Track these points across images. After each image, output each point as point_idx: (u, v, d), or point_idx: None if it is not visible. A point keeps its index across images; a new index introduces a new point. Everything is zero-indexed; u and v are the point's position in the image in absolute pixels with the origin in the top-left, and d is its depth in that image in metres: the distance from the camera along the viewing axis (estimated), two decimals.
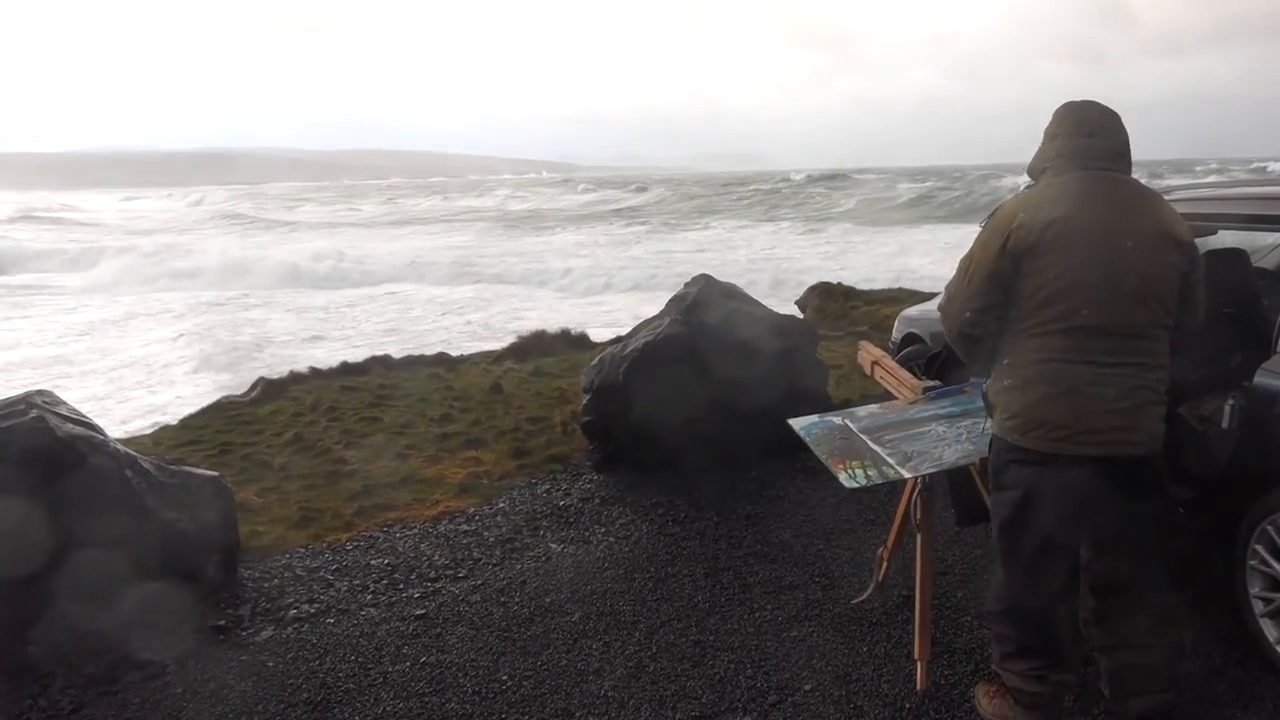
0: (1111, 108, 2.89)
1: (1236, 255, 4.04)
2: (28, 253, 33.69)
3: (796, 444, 3.57)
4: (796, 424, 3.46)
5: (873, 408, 3.52)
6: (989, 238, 2.80)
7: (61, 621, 3.72)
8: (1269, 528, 3.24)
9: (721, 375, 5.38)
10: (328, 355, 13.07)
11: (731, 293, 5.82)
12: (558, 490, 5.59)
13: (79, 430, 4.09)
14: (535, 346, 10.11)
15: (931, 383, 3.64)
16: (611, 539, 4.82)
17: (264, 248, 34.35)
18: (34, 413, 3.96)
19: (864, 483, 3.11)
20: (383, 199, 76.11)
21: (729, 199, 51.55)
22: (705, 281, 5.86)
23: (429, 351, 11.07)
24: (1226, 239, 4.45)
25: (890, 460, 3.15)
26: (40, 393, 4.21)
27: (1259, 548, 3.29)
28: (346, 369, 9.82)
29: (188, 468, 4.62)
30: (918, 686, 3.29)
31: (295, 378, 9.54)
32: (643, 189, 64.66)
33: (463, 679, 3.54)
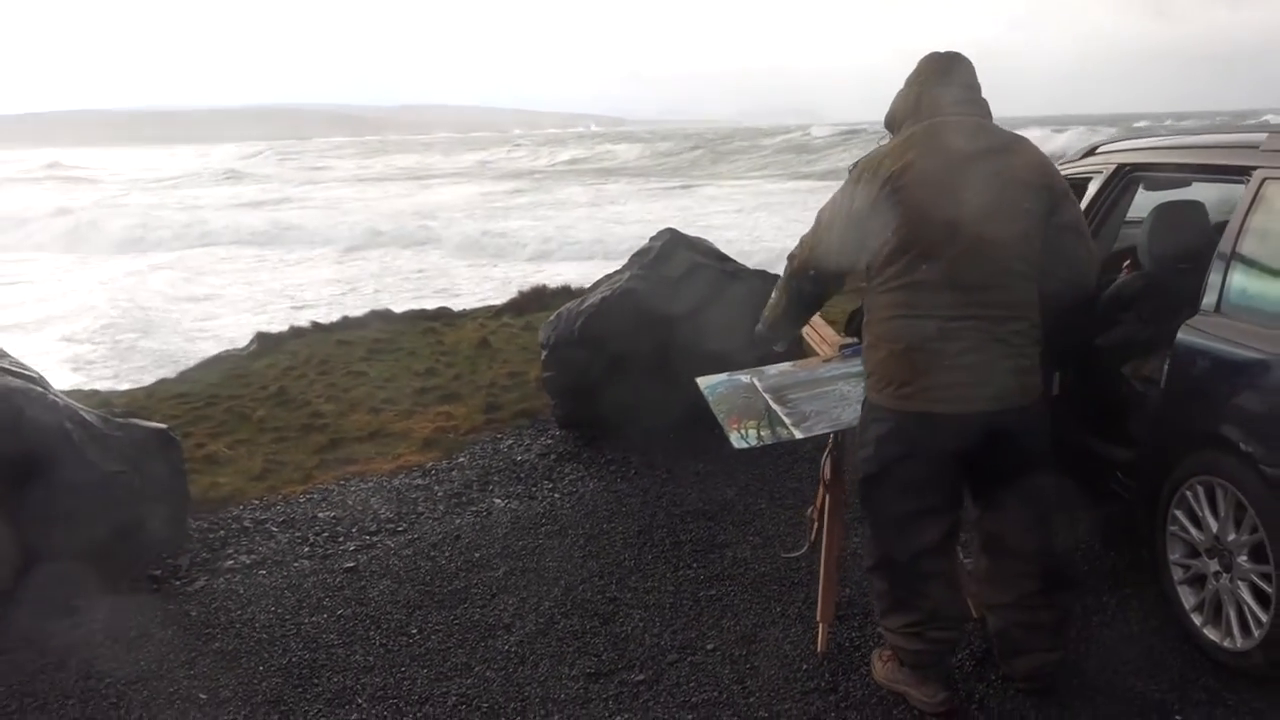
0: (967, 58, 2.80)
1: (1191, 208, 3.85)
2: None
3: None
4: (703, 382, 3.40)
5: (785, 366, 3.44)
6: (842, 192, 2.74)
7: None
8: (1188, 493, 3.11)
9: (682, 331, 5.30)
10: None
11: (695, 246, 5.72)
12: (520, 446, 5.59)
13: (16, 383, 4.16)
14: (534, 301, 10.07)
15: (849, 340, 3.54)
16: (556, 495, 4.81)
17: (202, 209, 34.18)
18: None
19: (754, 443, 3.05)
20: (396, 153, 75.97)
21: (755, 155, 50.47)
22: (670, 235, 5.76)
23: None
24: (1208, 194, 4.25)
25: (787, 420, 3.07)
26: None
27: (1179, 513, 3.16)
28: (346, 323, 9.91)
29: (136, 420, 4.68)
30: (818, 649, 3.24)
31: (295, 331, 9.65)
32: (653, 144, 63.46)
33: (373, 632, 3.57)
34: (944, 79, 2.77)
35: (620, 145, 64.42)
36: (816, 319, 3.84)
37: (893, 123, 2.87)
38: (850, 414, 3.04)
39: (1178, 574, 3.19)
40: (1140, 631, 3.26)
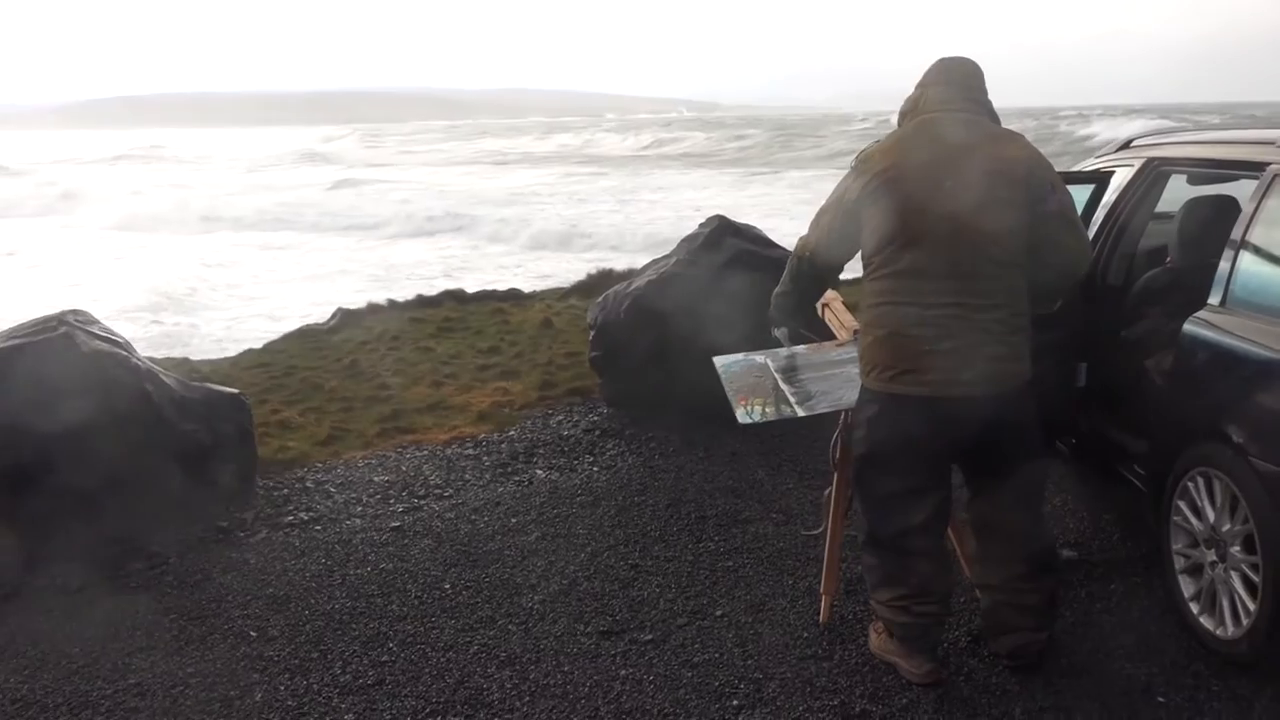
0: (973, 62, 2.94)
1: (1223, 203, 3.85)
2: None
3: None
4: (718, 361, 3.56)
5: (799, 348, 3.58)
6: (840, 184, 2.89)
7: (84, 516, 4.20)
8: (1189, 484, 3.17)
9: (725, 314, 5.45)
10: None
11: (742, 232, 5.86)
12: (568, 421, 5.84)
13: (104, 347, 4.56)
14: (603, 284, 10.30)
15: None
16: (595, 468, 5.04)
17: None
18: (63, 329, 4.44)
19: (758, 419, 3.22)
20: (480, 137, 76.89)
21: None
22: (718, 221, 5.92)
23: None
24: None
25: (792, 399, 3.23)
26: (74, 312, 4.70)
27: (1181, 504, 3.23)
28: (421, 301, 10.30)
29: (210, 385, 5.06)
30: (821, 619, 3.40)
31: (372, 308, 10.08)
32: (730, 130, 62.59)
33: (410, 585, 3.85)
34: (944, 80, 2.90)
35: (696, 132, 63.92)
36: (837, 304, 3.98)
37: (900, 119, 3.01)
38: (853, 395, 3.18)
39: (1179, 563, 3.26)
40: (1140, 619, 3.34)
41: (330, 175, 41.33)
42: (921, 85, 2.94)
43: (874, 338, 2.86)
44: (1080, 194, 3.95)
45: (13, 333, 4.60)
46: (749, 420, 3.22)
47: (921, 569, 2.93)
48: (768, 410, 3.22)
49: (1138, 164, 3.99)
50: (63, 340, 4.44)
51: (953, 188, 2.70)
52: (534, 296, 10.34)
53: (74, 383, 4.33)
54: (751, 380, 3.41)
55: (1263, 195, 3.10)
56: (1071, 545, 3.92)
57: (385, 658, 3.34)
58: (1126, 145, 4.30)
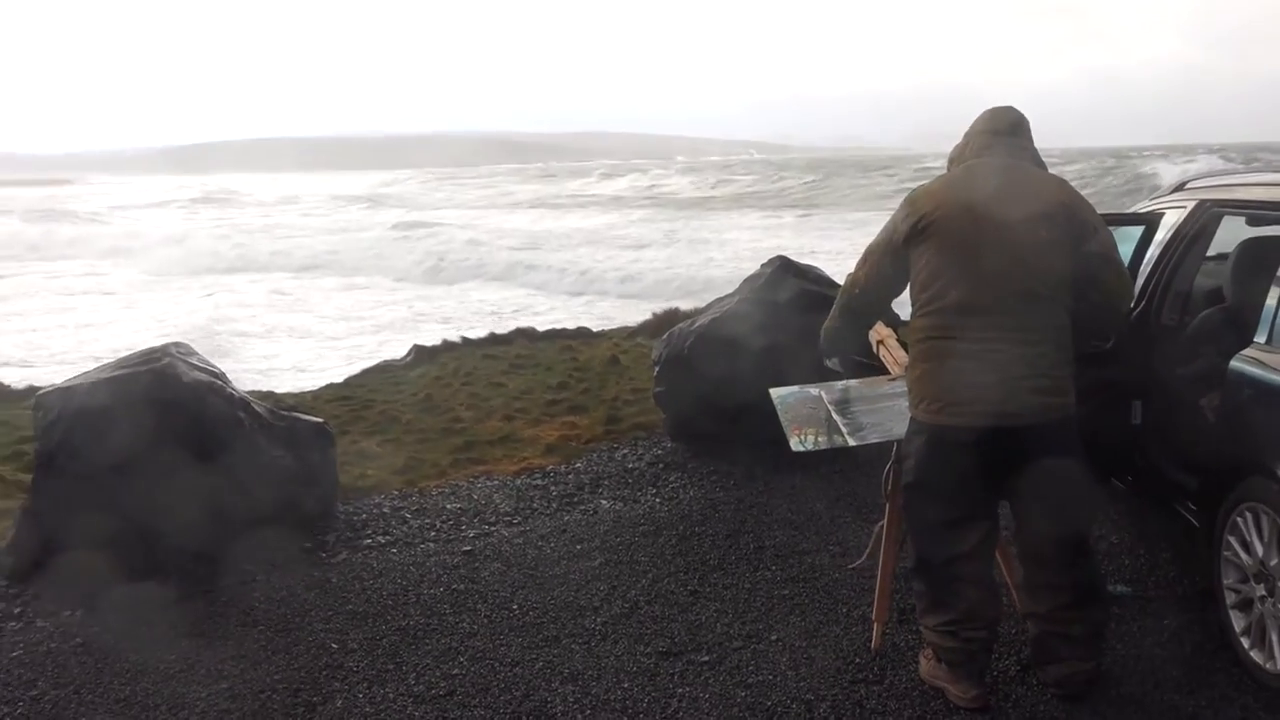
0: (1019, 112, 3.10)
1: (1276, 243, 3.91)
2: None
3: None
4: (775, 393, 3.73)
5: (852, 382, 3.73)
6: (887, 225, 3.04)
7: (182, 533, 4.52)
8: (1238, 519, 3.22)
9: (786, 352, 5.60)
10: None
11: (804, 273, 6.02)
12: (632, 455, 6.03)
13: (203, 377, 4.91)
14: (668, 323, 10.52)
15: None
16: (658, 500, 5.21)
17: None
18: (167, 360, 4.80)
19: (810, 448, 3.38)
20: (545, 180, 78.17)
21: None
22: (780, 262, 6.09)
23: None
24: None
25: (844, 429, 3.38)
26: (176, 344, 5.07)
27: (1231, 539, 3.28)
28: (494, 339, 10.65)
29: (298, 414, 5.38)
30: (872, 645, 3.51)
31: (447, 345, 10.45)
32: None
33: (480, 604, 4.06)
34: (990, 128, 3.06)
35: (762, 173, 63.98)
36: (891, 340, 4.12)
37: (949, 165, 3.18)
38: (903, 427, 3.31)
39: (1230, 598, 3.30)
40: (1191, 653, 3.38)
41: (393, 218, 42.57)
42: (969, 134, 3.11)
43: (922, 371, 3.00)
44: (1131, 234, 4.04)
45: (122, 363, 4.98)
46: (802, 448, 3.37)
47: (969, 595, 3.03)
48: (820, 439, 3.37)
49: (1190, 205, 4.07)
50: (163, 372, 4.79)
51: (999, 229, 2.84)
52: (602, 335, 10.61)
53: (176, 410, 4.68)
54: (806, 411, 3.56)
55: None
56: (1127, 581, 3.96)
57: (456, 671, 3.54)
58: (1180, 187, 4.38)
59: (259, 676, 3.56)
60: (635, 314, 13.57)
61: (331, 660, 3.66)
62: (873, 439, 3.34)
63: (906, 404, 3.47)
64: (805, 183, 53.27)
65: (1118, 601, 3.78)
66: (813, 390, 3.70)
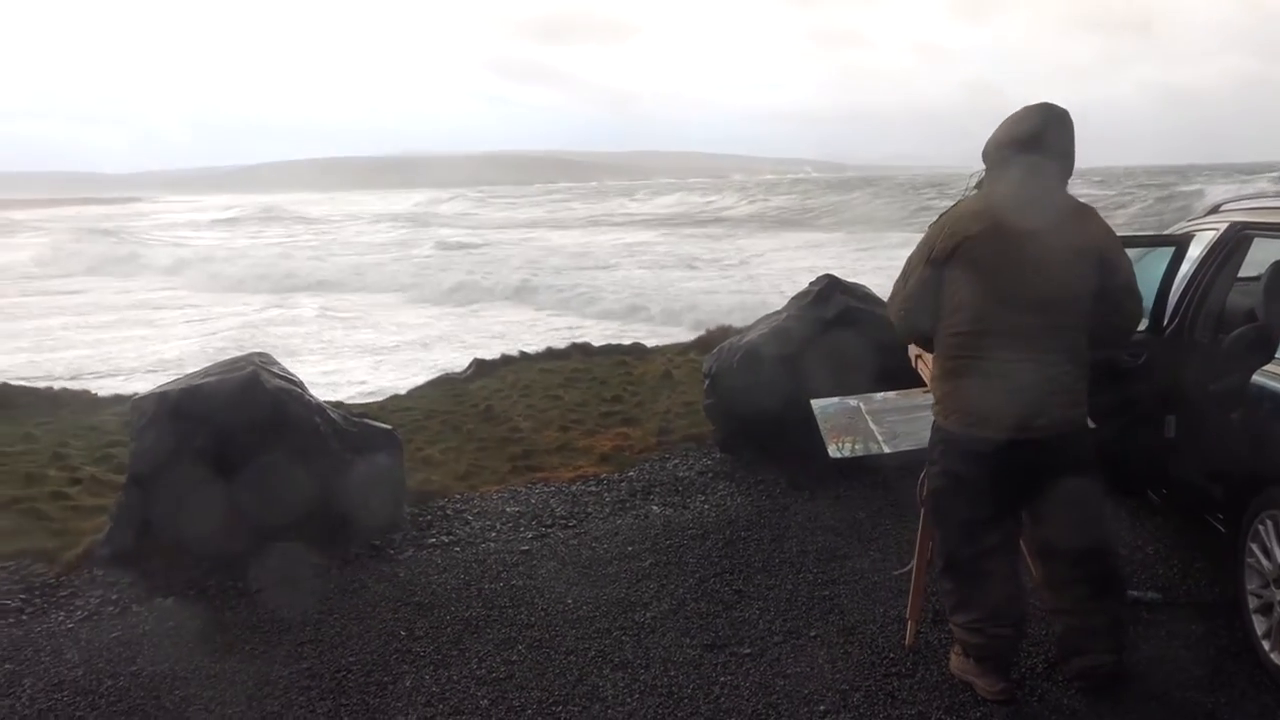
0: (1067, 114, 3.13)
1: None
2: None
3: None
4: (816, 404, 3.96)
5: (890, 394, 3.95)
6: (924, 244, 3.22)
7: (262, 528, 4.86)
8: (1259, 527, 3.37)
9: (831, 366, 5.81)
10: None
11: (852, 291, 6.23)
12: (683, 465, 6.27)
13: (283, 384, 5.27)
14: (720, 339, 10.75)
15: None
16: (706, 506, 5.45)
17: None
18: (250, 369, 5.17)
19: (847, 454, 3.59)
20: (593, 199, 78.64)
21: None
22: (828, 279, 6.31)
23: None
24: None
25: (879, 437, 3.60)
26: (259, 354, 5.45)
27: (1254, 546, 3.42)
28: (551, 354, 10.97)
29: (369, 421, 5.72)
30: (906, 642, 3.70)
31: (506, 359, 10.79)
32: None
33: (537, 599, 4.34)
34: (1011, 136, 3.13)
35: (811, 192, 63.70)
36: (928, 355, 4.32)
37: (985, 162, 3.25)
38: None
39: (1253, 603, 3.44)
40: (1215, 656, 3.52)
41: (440, 236, 43.19)
42: (1010, 143, 3.12)
43: (955, 385, 3.18)
44: (1162, 253, 4.20)
45: (208, 370, 5.37)
46: (839, 455, 3.60)
47: (994, 593, 3.22)
48: (856, 447, 3.59)
49: (1222, 227, 4.22)
50: (248, 380, 5.16)
51: (1036, 264, 3.01)
52: (656, 350, 10.87)
53: (258, 414, 5.05)
54: (844, 420, 3.79)
55: None
56: (1158, 589, 4.10)
57: (515, 657, 3.81)
58: (1216, 209, 4.52)
59: (335, 659, 3.87)
60: (685, 331, 13.79)
61: (400, 646, 3.96)
62: (906, 446, 3.55)
63: None
64: (872, 201, 52.95)
65: (1148, 607, 3.93)
66: (851, 401, 3.93)
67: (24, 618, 4.40)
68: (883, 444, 3.55)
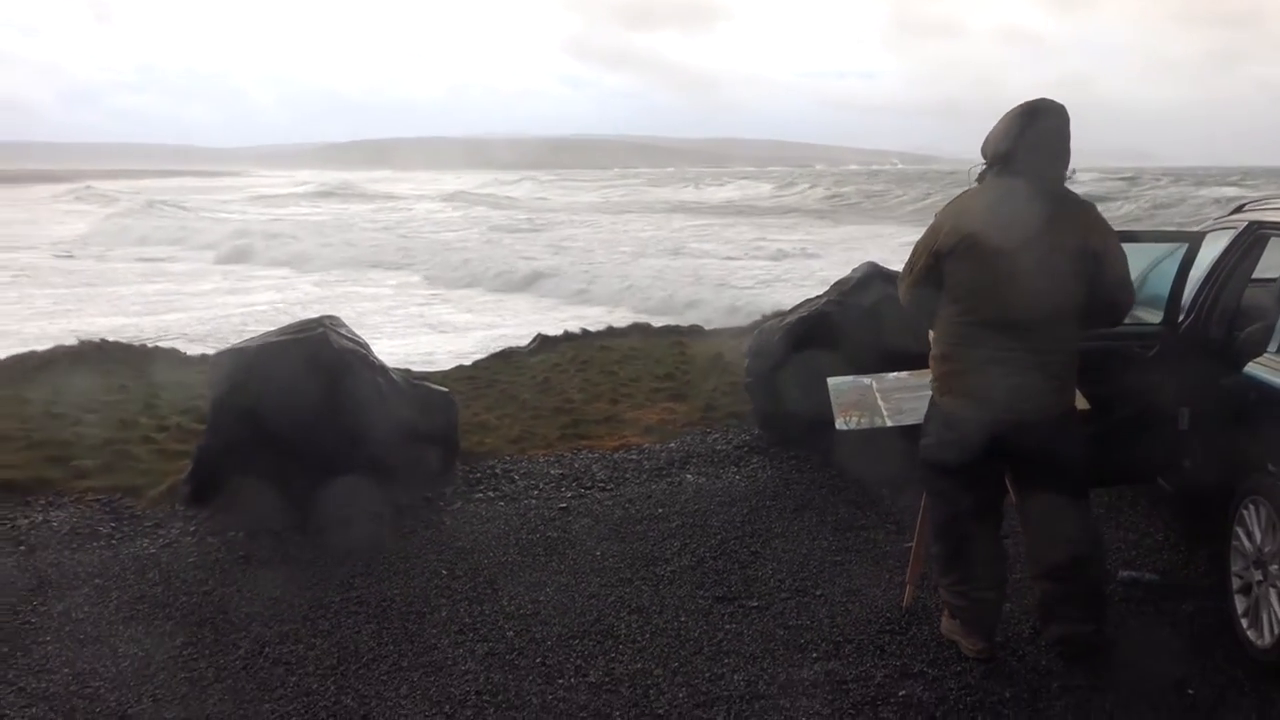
0: (1063, 110, 3.31)
1: None
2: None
3: None
4: (832, 381, 4.22)
5: (902, 374, 4.18)
6: (927, 235, 3.43)
7: (326, 475, 5.31)
8: (1243, 511, 3.54)
9: (867, 350, 6.03)
10: None
11: (891, 279, 6.41)
12: (722, 439, 6.57)
13: (350, 345, 5.72)
14: None
15: None
16: (737, 477, 5.74)
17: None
18: (320, 330, 5.63)
19: (853, 427, 3.86)
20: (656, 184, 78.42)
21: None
22: (868, 267, 6.52)
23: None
24: None
25: (885, 412, 3.85)
26: (329, 317, 5.90)
27: (1238, 529, 3.59)
28: (611, 332, 11.32)
29: (427, 384, 6.15)
30: (904, 603, 3.96)
31: (568, 336, 11.18)
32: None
33: (568, 550, 4.70)
34: (1027, 134, 3.29)
35: (896, 183, 62.68)
36: None
37: (985, 157, 3.44)
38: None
39: (1235, 583, 3.61)
40: (1198, 632, 3.71)
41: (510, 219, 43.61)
42: (1008, 138, 3.30)
43: (951, 368, 3.40)
44: (1167, 250, 4.34)
45: (284, 330, 5.85)
46: (845, 428, 3.86)
47: (977, 558, 3.46)
48: (862, 421, 3.85)
49: (1240, 226, 4.34)
50: (320, 339, 5.62)
51: (1029, 262, 3.21)
52: (712, 333, 11.14)
53: (326, 372, 5.50)
54: (855, 397, 4.05)
55: None
56: (1158, 571, 4.27)
57: (542, 598, 4.18)
58: (1240, 209, 4.62)
59: (381, 590, 4.29)
60: (741, 318, 13.98)
61: (440, 583, 4.36)
62: (909, 421, 3.79)
63: None
64: (921, 193, 52.01)
65: (1144, 587, 4.12)
66: (865, 380, 4.18)
67: (113, 542, 4.92)
68: (886, 418, 3.81)
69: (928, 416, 3.57)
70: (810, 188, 62.23)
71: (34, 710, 3.39)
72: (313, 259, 28.57)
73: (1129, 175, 53.02)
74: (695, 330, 11.29)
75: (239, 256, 29.53)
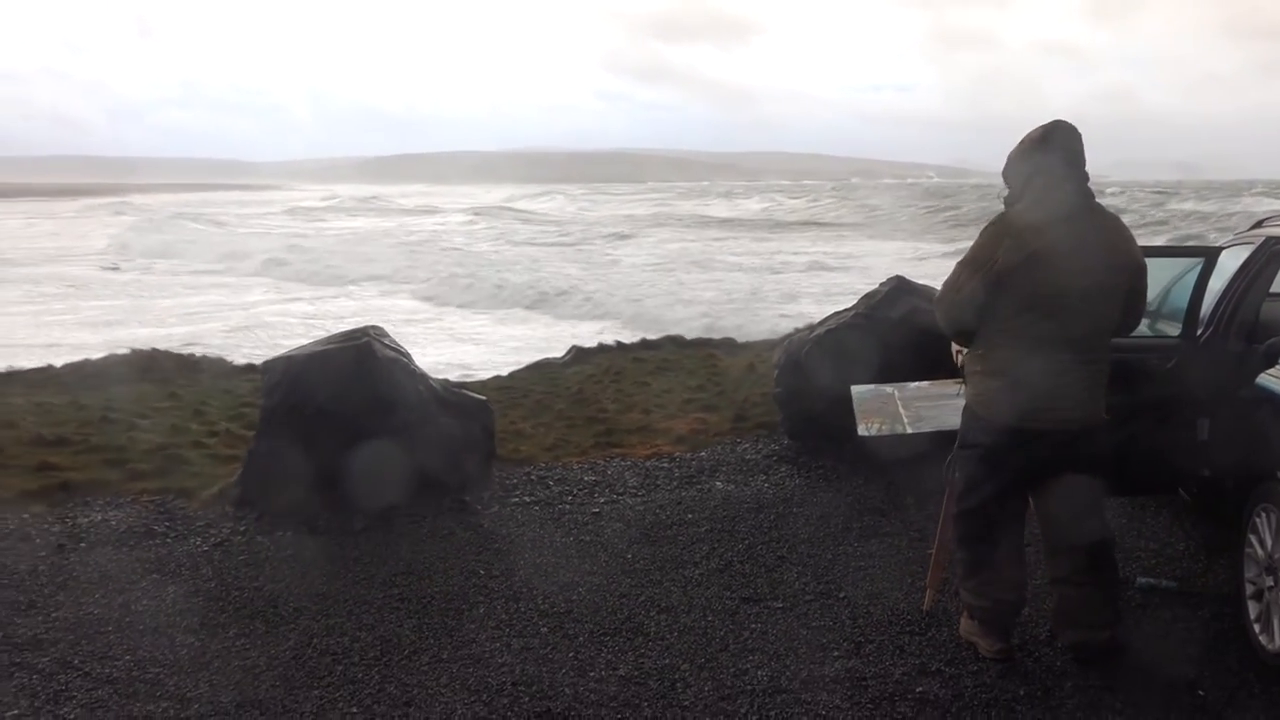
0: (1069, 127, 3.46)
1: None
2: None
3: None
4: (855, 390, 4.38)
5: (923, 384, 4.33)
6: (979, 253, 3.47)
7: (369, 477, 5.54)
8: (1256, 519, 3.64)
9: (893, 362, 6.16)
10: None
11: (917, 292, 6.55)
12: (752, 449, 6.72)
13: (392, 354, 5.95)
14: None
15: None
16: (766, 485, 5.89)
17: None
18: (365, 340, 5.86)
19: (874, 433, 4.01)
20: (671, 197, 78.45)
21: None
22: (897, 281, 6.65)
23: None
24: None
25: (905, 419, 4.00)
26: (374, 327, 6.14)
27: (1252, 536, 3.68)
28: (644, 344, 11.52)
29: (466, 391, 6.37)
30: (924, 607, 4.09)
31: (602, 348, 11.40)
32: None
33: (600, 553, 4.87)
34: (1050, 156, 3.42)
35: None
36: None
37: (1008, 184, 3.56)
38: (954, 420, 3.89)
39: (1249, 589, 3.71)
40: (1212, 637, 3.80)
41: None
42: (1028, 160, 3.46)
43: (1003, 382, 3.48)
44: (1189, 265, 4.44)
45: (330, 339, 6.10)
46: (867, 434, 4.02)
47: (1001, 562, 3.59)
48: (883, 427, 4.00)
49: (1257, 242, 4.43)
50: (363, 349, 5.86)
51: (1083, 278, 3.35)
52: (745, 346, 11.29)
53: (369, 381, 5.73)
54: (877, 405, 4.20)
55: None
56: (1176, 579, 4.36)
57: (575, 597, 4.35)
58: (1259, 224, 4.72)
59: (423, 588, 4.49)
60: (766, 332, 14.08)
61: (478, 582, 4.55)
62: (928, 428, 3.94)
63: (962, 403, 4.06)
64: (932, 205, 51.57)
65: (1162, 594, 4.21)
66: (888, 389, 4.33)
67: (168, 540, 5.17)
68: (907, 425, 3.95)
69: (966, 425, 3.67)
70: (842, 201, 62.08)
71: (99, 693, 3.62)
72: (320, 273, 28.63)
73: (1168, 189, 52.52)
74: (728, 343, 11.46)
75: (266, 270, 29.73)
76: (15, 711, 3.49)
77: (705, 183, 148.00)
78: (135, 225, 46.08)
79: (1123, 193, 48.14)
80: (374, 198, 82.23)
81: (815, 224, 50.94)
